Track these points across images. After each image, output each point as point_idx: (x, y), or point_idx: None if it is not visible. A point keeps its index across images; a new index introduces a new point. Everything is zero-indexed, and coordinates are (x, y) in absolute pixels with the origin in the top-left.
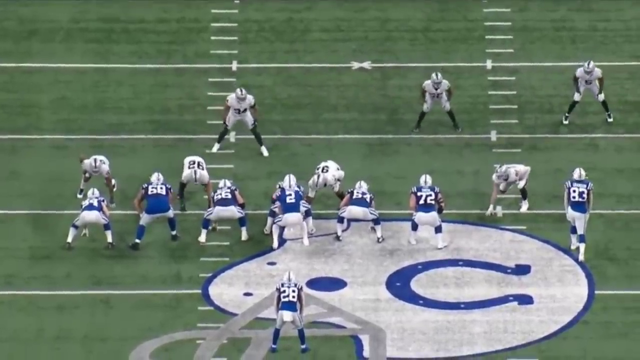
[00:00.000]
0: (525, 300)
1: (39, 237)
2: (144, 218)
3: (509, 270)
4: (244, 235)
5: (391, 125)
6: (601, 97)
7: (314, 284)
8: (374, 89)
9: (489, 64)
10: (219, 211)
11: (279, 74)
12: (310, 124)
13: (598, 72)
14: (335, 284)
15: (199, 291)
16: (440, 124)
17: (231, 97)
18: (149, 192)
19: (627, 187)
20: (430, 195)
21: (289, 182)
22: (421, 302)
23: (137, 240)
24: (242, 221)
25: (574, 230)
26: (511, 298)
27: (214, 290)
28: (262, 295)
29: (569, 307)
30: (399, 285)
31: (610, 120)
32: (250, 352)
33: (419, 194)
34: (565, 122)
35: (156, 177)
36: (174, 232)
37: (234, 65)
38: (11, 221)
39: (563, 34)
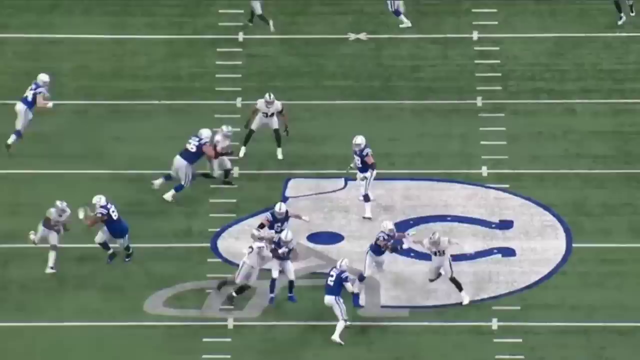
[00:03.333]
0: (508, 252)
1: (62, 195)
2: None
3: (493, 225)
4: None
5: (385, 91)
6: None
7: (314, 237)
8: (369, 59)
9: (475, 35)
10: None
11: (282, 45)
12: (311, 91)
13: None
14: (333, 238)
15: (208, 245)
16: (431, 91)
17: (260, 101)
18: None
19: (602, 148)
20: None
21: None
22: (412, 254)
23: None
24: None
25: None
26: (495, 251)
27: (221, 244)
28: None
29: (549, 259)
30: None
31: (620, 22)
32: (255, 300)
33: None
34: (620, 22)
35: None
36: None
37: (240, 37)
38: (36, 180)
39: (543, 7)
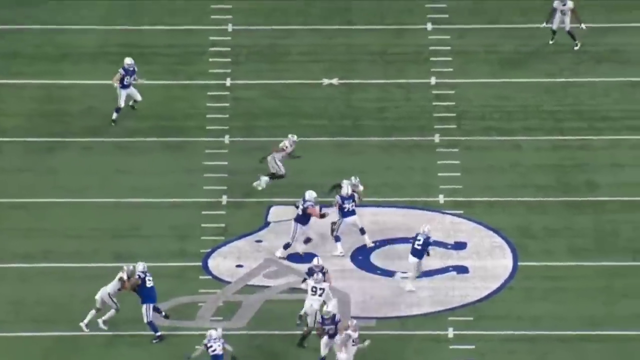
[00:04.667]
0: (462, 270)
1: (72, 221)
2: (149, 311)
3: (449, 246)
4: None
5: (354, 129)
6: (569, 27)
7: (292, 257)
8: (341, 101)
9: (433, 81)
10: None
11: (264, 89)
12: (289, 129)
13: (570, 4)
14: (310, 257)
15: (200, 264)
16: (395, 129)
17: (289, 141)
18: (146, 284)
19: (544, 179)
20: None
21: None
22: (379, 272)
23: (159, 333)
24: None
25: None
26: (451, 269)
27: (212, 263)
28: (251, 267)
29: (498, 275)
30: (361, 258)
31: (576, 48)
32: (241, 312)
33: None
34: (551, 42)
35: (143, 267)
36: (163, 313)
37: (228, 82)
38: (49, 207)
39: (492, 56)
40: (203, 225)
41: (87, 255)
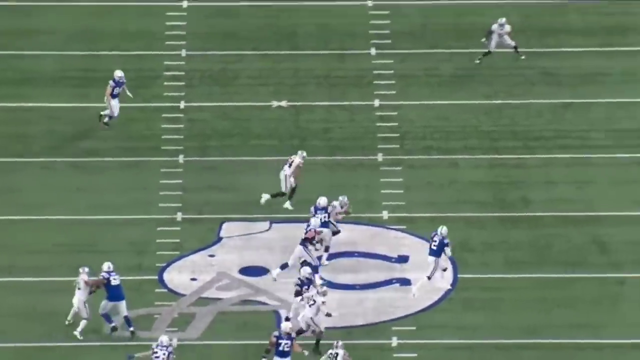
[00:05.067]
0: (405, 282)
1: (34, 237)
2: (105, 307)
3: (392, 260)
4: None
5: (302, 149)
6: (512, 43)
7: (245, 271)
8: (289, 122)
9: (376, 103)
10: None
11: (217, 111)
12: (241, 149)
13: (508, 27)
14: (260, 271)
15: (156, 277)
16: (340, 149)
17: (300, 159)
18: (111, 283)
19: (481, 196)
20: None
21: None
22: (335, 286)
23: (113, 324)
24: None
25: None
26: (394, 281)
27: (167, 277)
28: (205, 280)
29: (439, 287)
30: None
31: (523, 57)
32: (195, 323)
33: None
34: (477, 62)
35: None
36: (131, 329)
37: (182, 104)
38: (11, 224)
39: (433, 79)
40: (159, 240)
41: (48, 270)
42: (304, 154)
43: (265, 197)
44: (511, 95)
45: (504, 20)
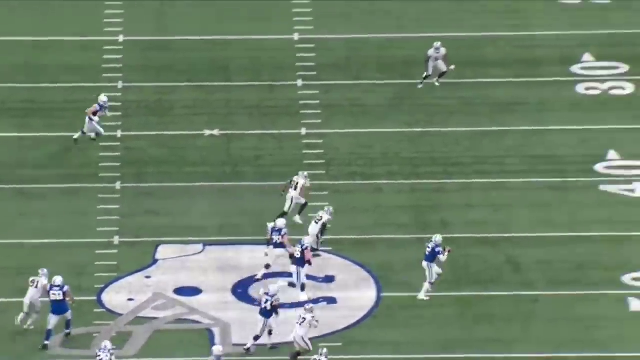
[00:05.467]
0: (332, 301)
1: None
2: (51, 320)
3: (319, 280)
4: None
5: (234, 175)
6: (444, 68)
7: (179, 291)
8: (221, 150)
9: (303, 131)
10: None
11: (152, 139)
12: (175, 175)
13: (444, 50)
14: (195, 291)
15: (95, 298)
16: (270, 174)
17: (303, 177)
18: (51, 297)
19: (404, 219)
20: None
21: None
22: (257, 303)
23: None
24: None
25: None
26: (321, 299)
27: (105, 297)
28: (141, 300)
29: (363, 305)
30: (241, 292)
31: (437, 84)
32: (132, 342)
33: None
34: (420, 86)
35: (60, 281)
36: (68, 331)
37: (119, 133)
38: None
39: (357, 109)
40: (97, 263)
41: None
42: (306, 174)
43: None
44: (431, 123)
45: (439, 44)
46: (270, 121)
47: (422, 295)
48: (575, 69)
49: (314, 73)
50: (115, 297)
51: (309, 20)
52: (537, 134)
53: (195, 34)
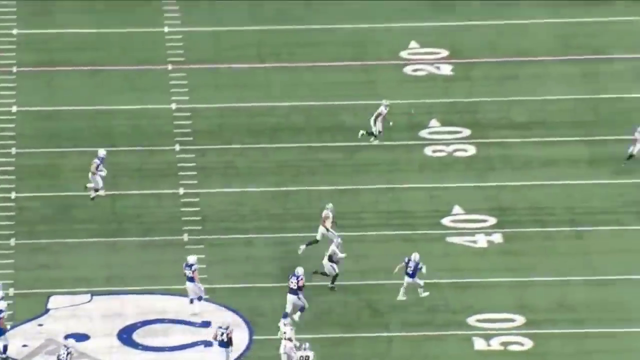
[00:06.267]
0: (208, 344)
1: None
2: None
3: (197, 325)
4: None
5: (119, 232)
6: (379, 127)
7: (70, 337)
8: (107, 208)
9: (181, 191)
10: None
11: (44, 200)
12: (66, 232)
13: (385, 110)
14: (83, 337)
15: None
16: (153, 231)
17: (330, 211)
18: None
19: (272, 268)
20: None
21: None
22: (140, 347)
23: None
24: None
25: None
26: (199, 343)
27: (1, 344)
28: (34, 346)
29: (237, 347)
30: (125, 337)
31: (374, 142)
32: None
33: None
34: (376, 141)
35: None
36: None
37: (13, 195)
38: None
39: (230, 170)
40: None
41: None
42: (330, 205)
43: (302, 247)
44: (296, 182)
45: (388, 102)
46: (151, 182)
47: (422, 293)
48: (424, 133)
49: (190, 138)
50: (10, 344)
51: (185, 92)
52: (389, 192)
53: (82, 105)
